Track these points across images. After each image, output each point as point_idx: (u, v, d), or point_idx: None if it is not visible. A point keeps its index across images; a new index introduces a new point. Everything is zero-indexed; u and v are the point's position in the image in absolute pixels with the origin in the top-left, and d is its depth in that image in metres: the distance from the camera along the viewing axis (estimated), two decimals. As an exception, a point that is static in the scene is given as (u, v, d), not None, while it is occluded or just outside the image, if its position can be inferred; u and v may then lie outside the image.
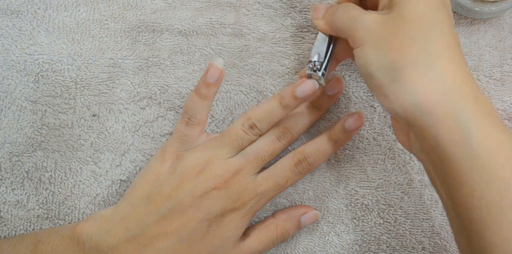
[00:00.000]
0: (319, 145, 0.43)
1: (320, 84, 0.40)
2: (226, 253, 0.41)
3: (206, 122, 0.43)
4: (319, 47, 0.40)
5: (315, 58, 0.40)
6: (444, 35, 0.33)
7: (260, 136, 0.42)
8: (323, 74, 0.40)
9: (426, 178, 0.45)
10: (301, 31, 0.46)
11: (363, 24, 0.35)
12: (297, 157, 0.42)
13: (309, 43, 0.46)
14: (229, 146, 0.41)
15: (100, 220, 0.41)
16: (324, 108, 0.44)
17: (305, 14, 0.46)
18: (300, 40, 0.46)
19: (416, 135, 0.33)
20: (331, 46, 0.40)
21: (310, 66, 0.40)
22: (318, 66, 0.40)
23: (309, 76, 0.40)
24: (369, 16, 0.35)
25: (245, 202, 0.40)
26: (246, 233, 0.42)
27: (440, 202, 0.41)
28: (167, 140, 0.46)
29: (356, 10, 0.37)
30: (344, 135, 0.43)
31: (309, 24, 0.46)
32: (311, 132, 0.46)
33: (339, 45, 0.41)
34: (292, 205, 0.46)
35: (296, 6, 0.46)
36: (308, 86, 0.40)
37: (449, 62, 0.32)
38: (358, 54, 0.35)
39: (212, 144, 0.42)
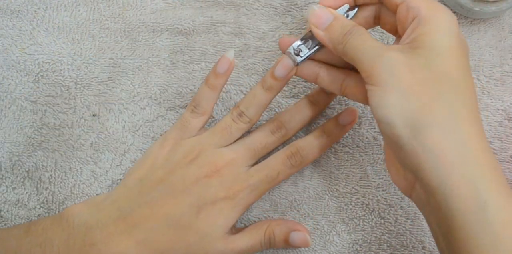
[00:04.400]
0: (313, 139, 0.43)
1: (296, 63, 0.40)
2: (213, 242, 0.40)
3: (209, 115, 0.43)
4: (313, 37, 0.39)
5: (302, 43, 0.40)
6: (470, 96, 0.33)
7: (250, 123, 0.42)
8: (299, 62, 0.40)
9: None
10: (301, 29, 0.46)
11: (388, 63, 0.33)
12: (290, 149, 0.42)
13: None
14: (219, 135, 0.42)
15: (92, 202, 0.42)
16: (321, 104, 0.44)
17: (306, 11, 0.46)
18: (300, 40, 0.46)
19: (425, 190, 0.33)
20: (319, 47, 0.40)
21: (294, 47, 0.40)
22: (300, 53, 0.40)
23: (287, 54, 0.40)
24: (394, 55, 0.34)
25: (237, 192, 0.41)
26: (238, 230, 0.43)
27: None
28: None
29: (374, 42, 0.35)
30: (338, 129, 0.43)
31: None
32: (310, 129, 0.46)
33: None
34: (292, 204, 0.46)
35: (296, 3, 0.46)
36: (285, 65, 0.40)
37: (472, 127, 0.32)
38: (375, 94, 0.33)
39: (206, 134, 0.42)
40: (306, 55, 0.40)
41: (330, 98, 0.44)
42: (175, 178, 0.41)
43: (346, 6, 0.39)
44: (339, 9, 0.39)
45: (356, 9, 0.39)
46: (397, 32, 0.38)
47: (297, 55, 0.40)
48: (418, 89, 0.32)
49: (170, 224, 0.40)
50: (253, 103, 0.41)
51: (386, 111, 0.33)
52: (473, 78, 0.34)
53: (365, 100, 0.38)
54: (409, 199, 0.45)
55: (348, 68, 0.40)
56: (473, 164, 0.31)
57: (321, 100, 0.43)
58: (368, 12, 0.39)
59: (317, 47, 0.40)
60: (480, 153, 0.32)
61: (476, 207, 0.30)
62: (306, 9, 0.46)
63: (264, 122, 0.46)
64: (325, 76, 0.40)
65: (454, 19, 0.34)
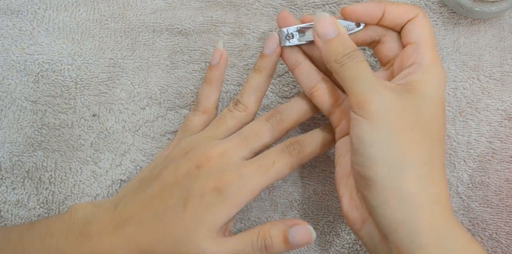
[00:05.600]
0: (315, 132, 0.41)
1: (282, 45, 0.40)
2: (198, 242, 0.37)
3: (212, 113, 0.43)
4: (309, 31, 0.39)
5: (297, 31, 0.40)
6: (442, 144, 0.36)
7: (246, 112, 0.41)
8: (287, 45, 0.40)
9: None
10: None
11: (383, 101, 0.34)
12: (290, 140, 0.40)
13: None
14: (214, 126, 0.41)
15: (98, 201, 0.43)
16: None
17: (306, 11, 0.46)
18: (300, 40, 0.46)
19: (382, 226, 0.34)
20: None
21: (288, 31, 0.40)
22: (291, 40, 0.40)
23: (278, 32, 0.40)
24: (389, 94, 0.34)
25: (227, 183, 0.38)
26: (232, 235, 0.40)
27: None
28: (167, 139, 0.46)
29: (370, 74, 0.35)
30: None
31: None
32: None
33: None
34: (292, 204, 0.46)
35: (296, 3, 0.46)
36: (272, 42, 0.40)
37: (441, 174, 0.35)
38: (362, 127, 0.34)
39: (204, 130, 0.42)
40: (295, 44, 0.40)
41: None
42: (167, 173, 0.40)
43: (361, 26, 0.39)
44: (349, 25, 0.39)
45: (362, 26, 0.39)
46: (385, 63, 0.39)
47: (288, 39, 0.40)
48: (405, 134, 0.34)
49: (156, 218, 0.38)
50: (247, 89, 0.41)
51: (368, 146, 0.34)
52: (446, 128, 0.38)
53: (326, 110, 0.39)
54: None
55: (328, 74, 0.40)
56: (439, 205, 0.34)
57: None
58: (371, 33, 0.39)
59: (308, 42, 0.40)
60: (445, 196, 0.34)
61: (439, 241, 0.32)
62: (306, 9, 0.46)
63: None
64: (304, 69, 0.40)
65: (445, 77, 0.37)
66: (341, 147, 0.39)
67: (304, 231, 0.38)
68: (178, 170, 0.39)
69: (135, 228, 0.39)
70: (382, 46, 0.39)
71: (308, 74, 0.40)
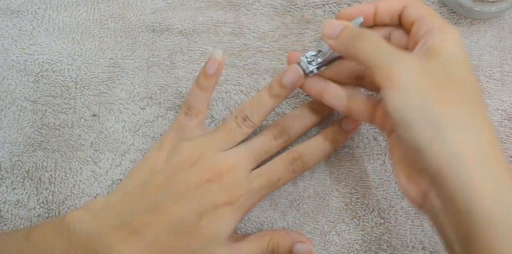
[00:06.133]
0: (315, 144, 0.43)
1: (307, 72, 0.40)
2: (216, 249, 0.40)
3: (205, 115, 0.43)
4: (324, 48, 0.40)
5: (315, 54, 0.40)
6: (482, 101, 0.35)
7: (253, 128, 0.42)
8: (311, 72, 0.40)
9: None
10: (302, 28, 0.46)
11: (408, 67, 0.34)
12: (292, 155, 0.42)
13: (309, 41, 0.46)
14: (223, 138, 0.41)
15: (93, 208, 0.42)
16: (324, 112, 0.44)
17: (306, 11, 0.46)
18: (300, 38, 0.46)
19: (444, 195, 0.33)
20: (335, 55, 0.40)
21: (307, 56, 0.40)
22: (313, 63, 0.40)
23: (297, 62, 0.40)
24: (412, 60, 0.34)
25: (237, 197, 0.40)
26: (240, 238, 0.42)
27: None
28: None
29: (389, 46, 0.35)
30: (340, 135, 0.43)
31: (309, 21, 0.46)
32: (310, 134, 0.46)
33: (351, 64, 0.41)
34: (292, 204, 0.46)
35: (296, 3, 0.46)
36: (294, 74, 0.40)
37: (489, 130, 0.33)
38: (394, 97, 0.34)
39: (207, 136, 0.42)
40: (318, 66, 0.40)
41: (332, 108, 0.43)
42: (176, 182, 0.40)
43: (360, 19, 0.39)
44: (352, 21, 0.39)
45: (361, 19, 0.39)
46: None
47: (310, 63, 0.40)
48: (437, 91, 0.33)
49: (171, 231, 0.39)
50: (258, 109, 0.41)
51: (406, 113, 0.33)
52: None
53: (369, 118, 0.39)
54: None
55: (354, 85, 0.41)
56: (494, 165, 0.32)
57: (323, 108, 0.43)
58: (379, 33, 0.40)
59: (329, 56, 0.40)
60: (500, 155, 0.33)
61: (499, 207, 0.31)
62: (306, 9, 0.46)
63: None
64: (331, 93, 0.41)
65: (460, 35, 0.36)
66: (393, 141, 0.38)
67: (308, 249, 0.42)
68: (188, 182, 0.40)
69: (149, 241, 0.39)
70: (394, 41, 0.40)
71: (336, 95, 0.40)
